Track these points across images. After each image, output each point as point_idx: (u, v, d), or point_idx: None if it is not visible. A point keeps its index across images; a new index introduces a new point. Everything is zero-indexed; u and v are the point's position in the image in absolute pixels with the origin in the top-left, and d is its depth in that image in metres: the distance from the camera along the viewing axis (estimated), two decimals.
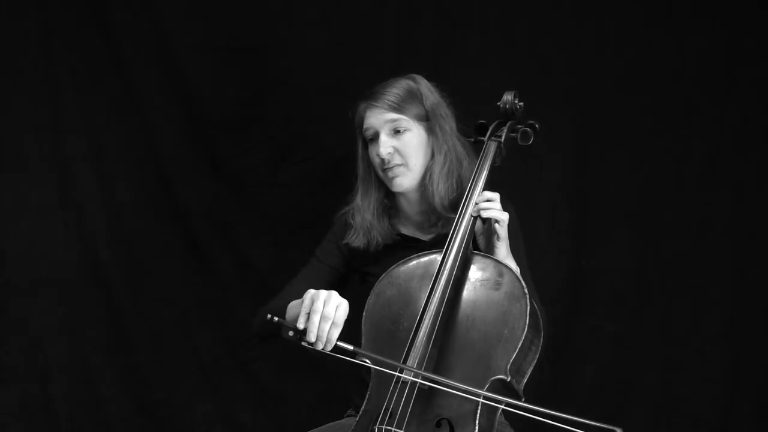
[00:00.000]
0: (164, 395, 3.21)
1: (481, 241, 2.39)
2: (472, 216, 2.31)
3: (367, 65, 3.13)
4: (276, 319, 2.08)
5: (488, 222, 2.33)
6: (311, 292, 2.11)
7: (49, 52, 3.12)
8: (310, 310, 2.08)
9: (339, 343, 2.09)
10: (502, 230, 2.30)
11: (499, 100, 2.44)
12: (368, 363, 2.17)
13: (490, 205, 2.29)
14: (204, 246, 3.20)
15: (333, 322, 2.08)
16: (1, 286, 3.13)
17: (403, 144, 2.43)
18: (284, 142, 3.19)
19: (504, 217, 2.30)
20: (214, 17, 3.17)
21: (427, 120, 2.45)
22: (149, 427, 3.22)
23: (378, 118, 2.44)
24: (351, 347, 2.09)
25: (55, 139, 3.15)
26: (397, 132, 2.44)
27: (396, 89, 2.46)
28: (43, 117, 3.14)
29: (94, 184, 3.18)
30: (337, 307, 2.09)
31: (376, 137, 2.45)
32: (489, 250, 2.33)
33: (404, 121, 2.43)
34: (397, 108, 2.43)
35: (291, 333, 2.08)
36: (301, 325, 2.07)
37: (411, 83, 2.48)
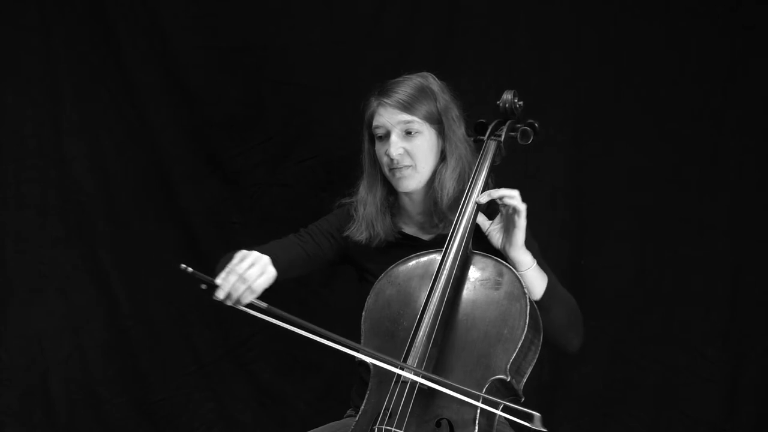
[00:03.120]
0: (164, 395, 3.22)
1: (495, 236, 2.35)
2: (476, 203, 2.29)
3: (367, 65, 3.13)
4: (189, 270, 2.06)
5: (506, 212, 2.31)
6: (243, 252, 2.12)
7: (49, 52, 3.13)
8: (233, 268, 2.08)
9: (253, 301, 2.08)
10: (520, 221, 2.27)
11: (499, 100, 2.44)
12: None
13: (511, 194, 2.27)
14: (204, 246, 3.20)
15: (249, 287, 2.07)
16: (1, 286, 3.14)
17: (414, 147, 2.41)
18: (284, 142, 3.20)
19: (522, 207, 2.27)
20: (214, 17, 3.17)
21: (439, 122, 2.44)
22: (149, 427, 3.22)
23: (391, 118, 2.41)
24: (264, 305, 2.08)
25: (55, 139, 3.16)
26: (408, 133, 2.41)
27: (409, 88, 2.42)
28: (43, 117, 3.14)
29: (94, 184, 3.18)
30: (260, 274, 2.09)
31: (386, 136, 2.42)
32: (508, 240, 2.30)
33: (417, 123, 2.40)
34: (410, 108, 2.40)
35: (203, 286, 2.07)
36: (218, 281, 2.07)
37: (424, 82, 2.45)
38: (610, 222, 3.16)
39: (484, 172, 2.35)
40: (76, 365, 3.18)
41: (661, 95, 3.11)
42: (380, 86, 2.46)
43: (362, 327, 2.30)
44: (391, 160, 2.40)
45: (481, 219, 2.35)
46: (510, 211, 2.28)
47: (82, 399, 3.19)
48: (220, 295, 2.07)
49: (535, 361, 2.23)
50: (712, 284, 3.12)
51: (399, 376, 2.17)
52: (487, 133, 2.41)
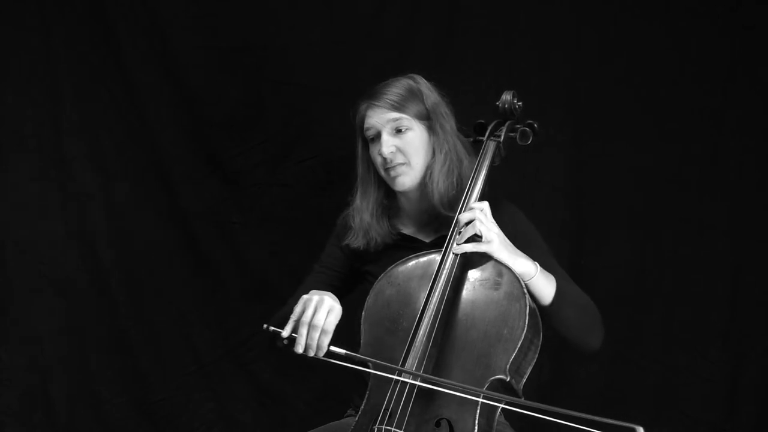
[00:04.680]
0: (164, 395, 3.22)
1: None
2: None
3: (367, 65, 3.14)
4: (271, 328, 2.12)
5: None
6: (304, 297, 2.17)
7: (49, 52, 3.13)
8: (299, 318, 2.13)
9: (332, 348, 2.12)
10: (493, 255, 2.25)
11: (498, 100, 2.44)
12: (369, 368, 2.19)
13: (483, 236, 2.24)
14: (204, 246, 3.20)
15: (322, 330, 2.12)
16: (1, 286, 3.14)
17: (405, 143, 2.42)
18: (284, 142, 3.20)
19: (485, 249, 2.23)
20: (214, 17, 3.17)
21: (428, 119, 2.45)
22: (149, 427, 3.22)
23: (380, 118, 2.42)
24: (343, 351, 2.12)
25: (55, 139, 3.16)
26: (398, 131, 2.42)
27: (396, 88, 2.44)
28: (43, 117, 3.15)
29: (94, 184, 3.19)
30: (327, 313, 2.14)
31: (377, 137, 2.43)
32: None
33: (406, 120, 2.42)
34: (399, 107, 2.42)
35: (285, 342, 2.13)
36: (285, 333, 2.13)
37: (411, 82, 2.47)
38: (610, 222, 3.15)
39: (483, 173, 2.35)
40: (76, 365, 3.18)
41: (661, 95, 3.11)
42: (369, 91, 2.47)
43: (362, 327, 2.30)
44: (384, 159, 2.41)
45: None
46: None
47: (82, 399, 3.19)
48: (298, 349, 2.13)
49: (534, 361, 2.22)
50: (712, 284, 3.12)
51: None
52: (486, 133, 2.41)
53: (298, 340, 2.12)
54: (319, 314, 2.13)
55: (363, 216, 2.49)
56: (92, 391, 3.19)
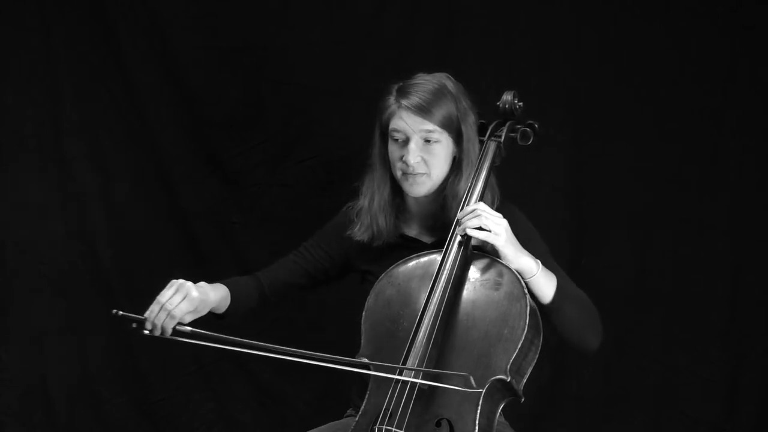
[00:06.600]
0: (164, 395, 3.22)
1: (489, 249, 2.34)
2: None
3: (367, 65, 3.14)
4: (120, 313, 2.18)
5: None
6: (172, 281, 2.24)
7: (49, 52, 3.13)
8: (157, 298, 2.22)
9: (177, 328, 2.20)
10: (497, 248, 2.23)
11: (499, 100, 2.44)
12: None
13: (472, 223, 2.23)
14: (204, 246, 3.20)
15: (169, 313, 2.19)
16: (1, 286, 3.14)
17: (432, 155, 2.37)
18: (284, 142, 3.20)
19: (491, 240, 2.22)
20: (214, 17, 3.17)
21: (456, 129, 2.40)
22: (149, 427, 3.22)
23: (413, 124, 2.35)
24: (189, 329, 2.20)
25: (55, 139, 3.16)
26: (427, 141, 2.37)
27: (431, 94, 2.36)
28: (43, 117, 3.15)
29: (94, 184, 3.19)
30: (183, 299, 2.21)
31: (405, 142, 2.38)
32: (499, 257, 2.29)
33: (437, 132, 2.36)
34: (432, 116, 2.35)
35: (134, 325, 2.20)
36: (146, 314, 2.20)
37: (444, 87, 2.39)
38: (610, 222, 3.15)
39: (483, 173, 2.35)
40: (76, 365, 3.18)
41: (661, 95, 3.11)
42: (400, 87, 2.39)
43: (362, 327, 2.30)
44: (407, 165, 2.38)
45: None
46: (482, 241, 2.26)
47: (82, 399, 3.19)
48: (148, 326, 2.21)
49: (535, 361, 2.22)
50: (712, 284, 3.12)
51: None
52: (487, 133, 2.40)
53: (149, 317, 2.20)
54: (173, 297, 2.20)
55: (371, 207, 2.45)
56: (92, 391, 3.19)
